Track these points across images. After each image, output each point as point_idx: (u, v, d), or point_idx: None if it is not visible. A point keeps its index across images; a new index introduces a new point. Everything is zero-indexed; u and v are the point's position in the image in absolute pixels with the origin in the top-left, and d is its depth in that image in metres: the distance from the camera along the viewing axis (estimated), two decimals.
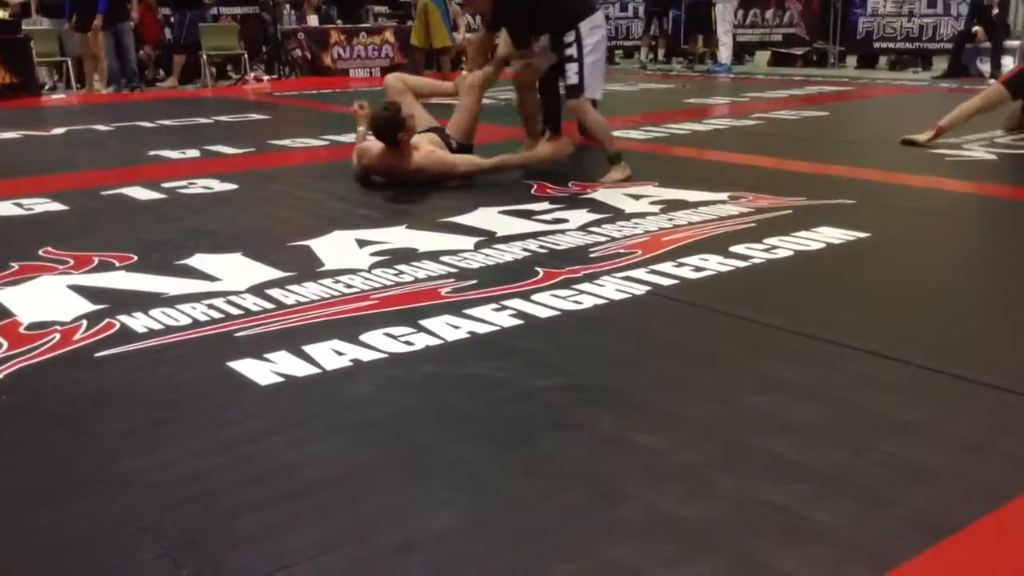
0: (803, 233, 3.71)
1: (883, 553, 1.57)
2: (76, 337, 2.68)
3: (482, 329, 2.70)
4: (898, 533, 1.63)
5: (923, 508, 1.71)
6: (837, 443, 1.97)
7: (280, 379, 2.36)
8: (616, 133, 6.72)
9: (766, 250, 3.49)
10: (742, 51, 14.22)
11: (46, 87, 11.12)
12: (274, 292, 3.06)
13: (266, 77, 12.68)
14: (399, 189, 4.72)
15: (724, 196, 4.41)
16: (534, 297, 2.97)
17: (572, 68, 4.89)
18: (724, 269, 3.27)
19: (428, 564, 1.57)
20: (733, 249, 3.49)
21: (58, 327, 2.77)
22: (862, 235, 3.69)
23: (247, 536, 1.65)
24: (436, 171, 4.78)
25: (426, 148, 4.81)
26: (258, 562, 1.57)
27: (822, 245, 3.56)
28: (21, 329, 2.76)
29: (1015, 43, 10.98)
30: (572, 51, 4.88)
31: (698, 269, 3.26)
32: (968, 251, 3.62)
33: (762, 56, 14.69)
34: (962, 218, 4.23)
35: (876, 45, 13.33)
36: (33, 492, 1.84)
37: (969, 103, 6.13)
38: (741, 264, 3.32)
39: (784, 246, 3.54)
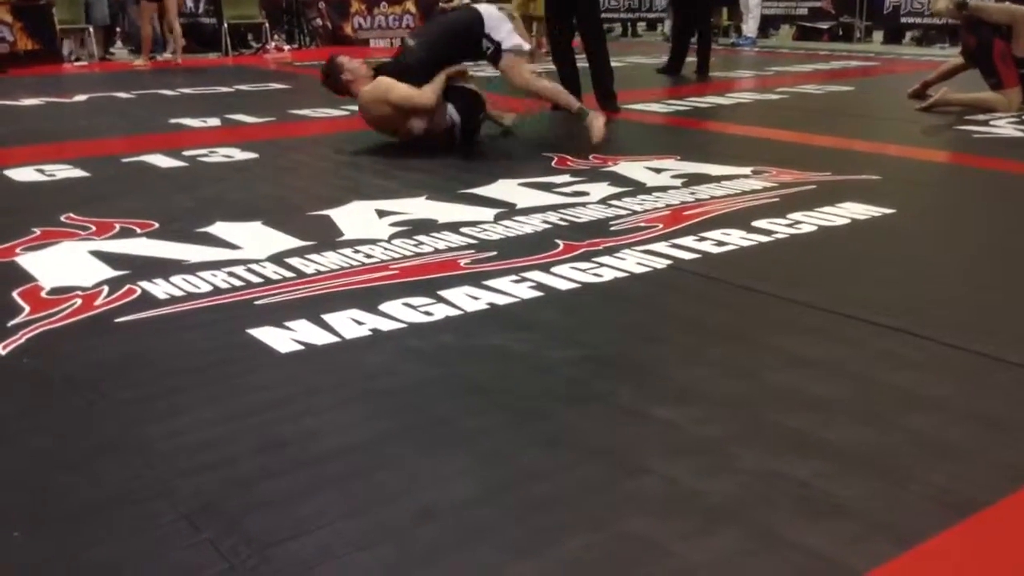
0: (827, 208, 3.67)
1: (906, 530, 1.56)
2: (97, 303, 2.69)
3: (501, 301, 2.69)
4: (921, 510, 1.62)
5: (947, 485, 1.69)
6: (860, 419, 1.95)
7: (299, 347, 2.36)
8: (638, 106, 6.70)
9: (789, 225, 3.45)
10: (767, 25, 14.03)
11: (71, 56, 11.08)
12: (294, 261, 3.06)
13: (286, 46, 12.63)
14: (419, 160, 4.70)
15: (747, 170, 4.36)
16: (554, 269, 2.96)
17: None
18: (747, 244, 3.23)
19: (445, 532, 1.57)
20: (756, 224, 3.45)
21: (79, 292, 2.78)
22: (887, 211, 3.64)
23: (265, 502, 1.66)
24: (389, 103, 4.84)
25: (375, 84, 4.89)
26: (276, 527, 1.58)
27: (846, 221, 3.52)
28: (43, 294, 2.77)
29: None
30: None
31: (720, 244, 3.23)
32: (994, 229, 3.57)
33: (787, 30, 14.50)
34: (989, 195, 4.16)
35: (903, 20, 13.13)
36: (53, 456, 1.85)
37: (954, 59, 6.90)
38: (764, 239, 3.29)
39: (808, 221, 3.50)
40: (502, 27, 4.98)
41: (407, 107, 4.78)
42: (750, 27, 12.69)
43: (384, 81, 4.82)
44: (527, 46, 5.09)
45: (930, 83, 6.77)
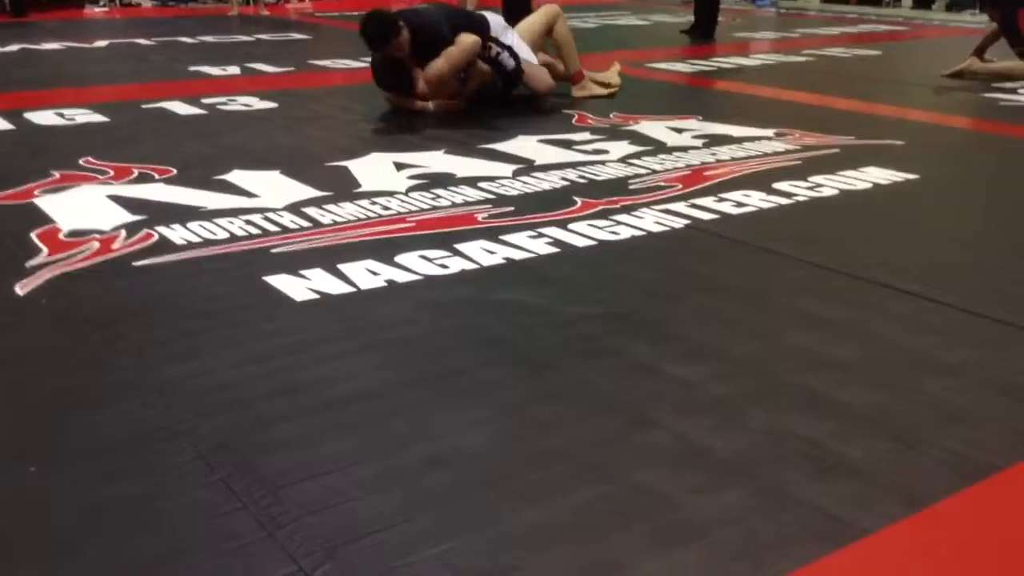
0: (849, 172, 3.63)
1: (915, 492, 1.56)
2: (115, 246, 2.71)
3: (518, 256, 2.69)
4: (932, 473, 1.62)
5: (959, 449, 1.69)
6: (874, 382, 1.95)
7: (315, 296, 2.37)
8: (661, 65, 6.64)
9: (810, 188, 3.42)
10: None
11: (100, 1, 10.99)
12: (311, 211, 3.06)
13: None
14: (439, 115, 4.67)
15: (770, 132, 4.32)
16: (571, 226, 2.94)
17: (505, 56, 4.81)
18: (766, 206, 3.21)
19: (456, 479, 1.58)
20: (776, 186, 3.43)
21: (97, 236, 2.79)
22: (910, 176, 3.61)
23: (280, 444, 1.68)
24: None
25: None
26: (290, 470, 1.59)
27: (868, 185, 3.49)
28: (61, 236, 2.79)
29: None
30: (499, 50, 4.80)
31: (740, 205, 3.20)
32: (1018, 197, 3.53)
33: None
34: (1013, 163, 4.11)
35: None
36: (72, 395, 1.87)
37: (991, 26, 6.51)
38: (784, 201, 3.26)
39: (829, 185, 3.47)
40: (507, 34, 4.93)
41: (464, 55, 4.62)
42: None
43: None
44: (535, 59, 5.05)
45: (982, 49, 6.48)
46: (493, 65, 4.74)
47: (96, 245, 2.71)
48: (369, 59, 4.96)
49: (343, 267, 2.55)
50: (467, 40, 4.56)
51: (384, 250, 2.69)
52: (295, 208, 3.08)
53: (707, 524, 1.47)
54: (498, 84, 4.83)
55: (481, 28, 4.69)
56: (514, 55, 4.78)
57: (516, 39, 4.94)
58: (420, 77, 4.64)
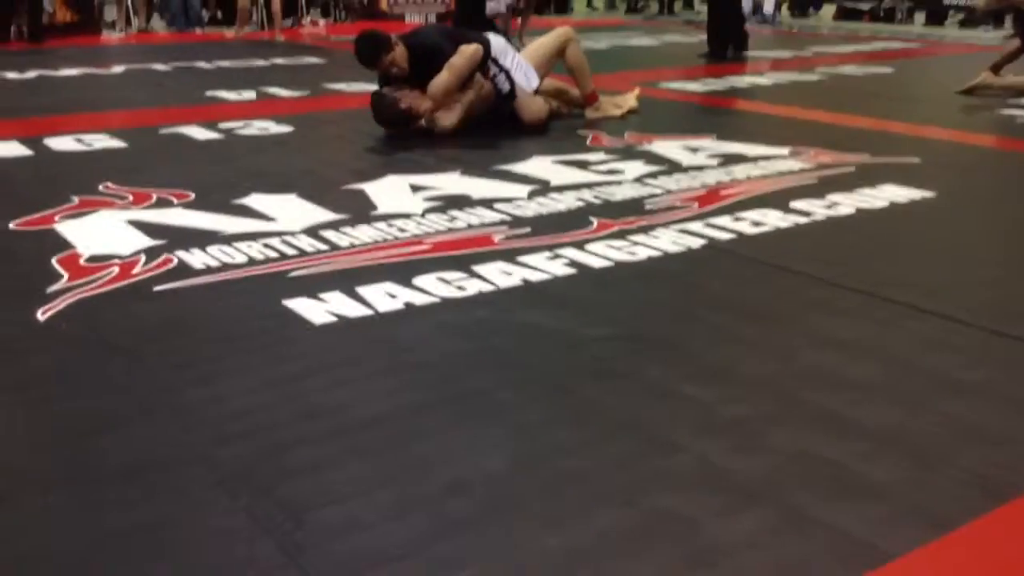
0: (866, 191, 3.63)
1: (940, 514, 1.55)
2: (135, 271, 2.73)
3: (535, 277, 2.69)
4: (955, 494, 1.60)
5: (981, 470, 1.67)
6: (893, 402, 1.94)
7: (333, 319, 2.38)
8: (674, 85, 6.65)
9: (827, 207, 3.41)
10: (807, 4, 13.85)
11: (117, 28, 11.12)
12: (328, 234, 3.07)
13: (322, 21, 12.64)
14: (454, 136, 4.69)
15: (785, 151, 4.32)
16: (588, 247, 2.95)
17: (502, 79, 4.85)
18: (784, 225, 3.20)
19: (476, 504, 1.58)
20: (793, 205, 3.42)
21: (117, 261, 2.81)
22: (927, 194, 3.59)
23: (300, 470, 1.68)
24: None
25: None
26: (311, 495, 1.59)
27: (885, 203, 3.48)
28: (81, 261, 2.81)
29: None
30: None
31: (756, 224, 3.20)
32: None
33: (828, 10, 14.30)
34: None
35: (946, 1, 12.89)
36: (92, 420, 1.88)
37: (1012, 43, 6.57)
38: (801, 220, 3.26)
39: (846, 203, 3.46)
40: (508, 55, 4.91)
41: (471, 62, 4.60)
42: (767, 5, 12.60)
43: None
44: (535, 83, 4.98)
45: (999, 66, 6.46)
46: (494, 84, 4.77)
47: (116, 270, 2.73)
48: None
49: (361, 290, 2.56)
50: (469, 48, 4.58)
51: (402, 272, 2.70)
52: (313, 231, 3.10)
53: (731, 548, 1.46)
54: (505, 105, 4.85)
55: (482, 47, 4.70)
56: (510, 79, 4.81)
57: (517, 61, 4.93)
58: (420, 99, 4.63)
